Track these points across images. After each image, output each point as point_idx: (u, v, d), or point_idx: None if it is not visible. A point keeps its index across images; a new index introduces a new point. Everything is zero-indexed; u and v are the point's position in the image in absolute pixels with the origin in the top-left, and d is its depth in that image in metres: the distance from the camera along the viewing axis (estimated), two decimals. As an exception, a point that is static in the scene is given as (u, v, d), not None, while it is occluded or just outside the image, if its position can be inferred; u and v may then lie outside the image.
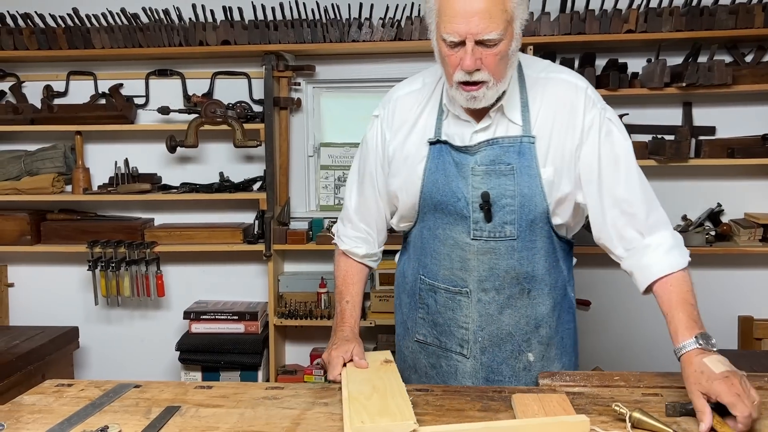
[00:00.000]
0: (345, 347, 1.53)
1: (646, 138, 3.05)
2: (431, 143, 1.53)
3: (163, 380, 1.64)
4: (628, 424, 1.21)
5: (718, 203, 3.10)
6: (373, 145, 1.64)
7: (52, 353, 2.95)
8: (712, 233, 3.04)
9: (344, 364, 1.50)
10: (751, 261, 3.17)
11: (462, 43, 1.34)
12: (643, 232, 1.47)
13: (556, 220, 1.52)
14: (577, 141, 1.47)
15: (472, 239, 1.52)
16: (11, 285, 3.51)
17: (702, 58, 2.89)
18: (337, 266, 1.73)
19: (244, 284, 3.43)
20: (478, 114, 1.49)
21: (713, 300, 3.16)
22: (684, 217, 3.12)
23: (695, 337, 1.30)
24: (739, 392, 1.19)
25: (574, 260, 1.68)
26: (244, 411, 1.33)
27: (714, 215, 3.10)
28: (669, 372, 1.52)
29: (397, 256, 1.79)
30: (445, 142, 1.52)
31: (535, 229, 1.50)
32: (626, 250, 1.49)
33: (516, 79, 1.49)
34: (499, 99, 1.45)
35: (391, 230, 1.74)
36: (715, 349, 1.29)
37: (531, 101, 1.49)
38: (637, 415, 1.21)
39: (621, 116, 2.99)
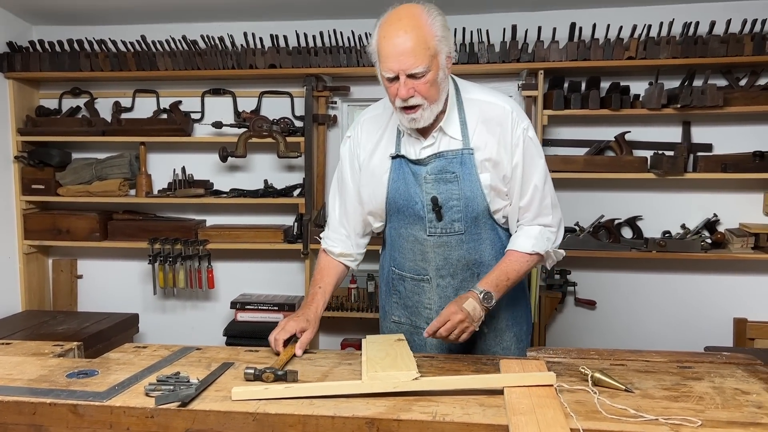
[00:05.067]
0: (301, 324, 1.77)
1: (648, 153, 3.26)
2: (393, 157, 1.82)
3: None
4: (590, 381, 1.44)
5: (714, 214, 3.30)
6: (348, 160, 1.90)
7: (116, 335, 3.30)
8: (708, 241, 3.24)
9: (289, 340, 1.75)
10: (744, 267, 3.34)
11: (397, 78, 1.63)
12: (525, 223, 1.82)
13: (498, 215, 1.82)
14: (509, 154, 1.76)
15: (428, 235, 1.82)
16: (80, 276, 3.90)
17: (698, 82, 3.11)
18: (318, 262, 1.97)
19: (284, 279, 3.72)
20: (425, 132, 1.79)
21: (710, 302, 3.39)
22: (683, 226, 3.34)
23: (481, 289, 1.70)
24: (446, 316, 1.64)
25: None
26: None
27: (711, 224, 3.30)
28: (640, 350, 1.74)
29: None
30: (403, 157, 1.80)
31: (479, 224, 1.81)
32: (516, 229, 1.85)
33: (455, 102, 1.78)
34: (437, 120, 1.74)
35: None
36: (486, 304, 1.70)
37: (468, 120, 1.77)
38: (597, 375, 1.45)
39: (623, 134, 3.29)
